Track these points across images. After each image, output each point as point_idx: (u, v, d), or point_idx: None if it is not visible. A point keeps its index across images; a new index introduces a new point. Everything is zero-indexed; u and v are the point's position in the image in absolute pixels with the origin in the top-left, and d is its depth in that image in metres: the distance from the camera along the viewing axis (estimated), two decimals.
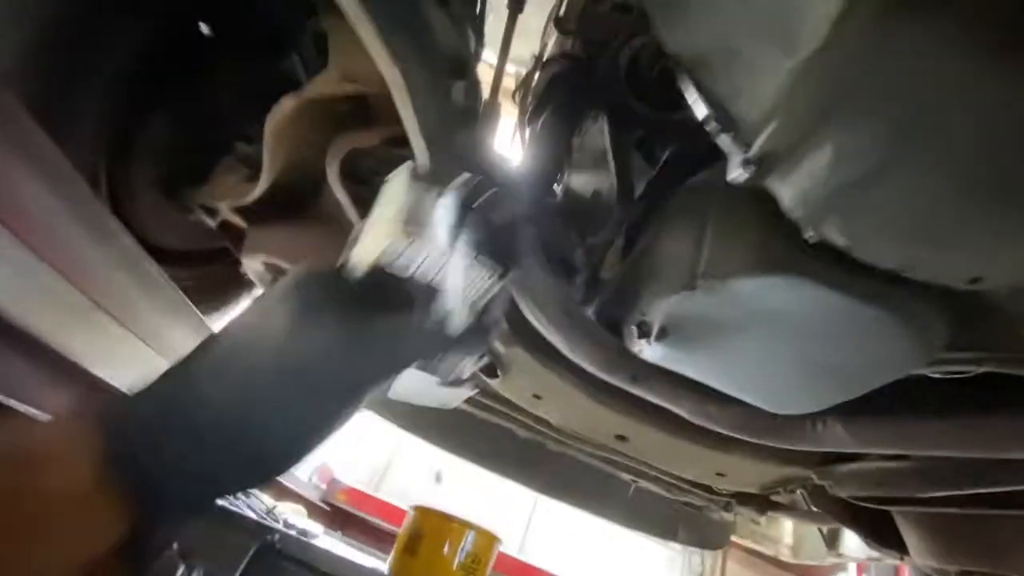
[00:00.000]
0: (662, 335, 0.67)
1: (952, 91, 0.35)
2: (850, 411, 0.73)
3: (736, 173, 0.50)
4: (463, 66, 0.60)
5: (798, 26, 0.40)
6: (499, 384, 1.02)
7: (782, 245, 0.52)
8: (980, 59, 0.32)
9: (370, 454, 3.84)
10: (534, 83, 0.99)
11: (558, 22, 0.77)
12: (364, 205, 0.73)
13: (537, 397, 1.01)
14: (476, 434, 1.75)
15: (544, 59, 0.97)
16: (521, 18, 0.97)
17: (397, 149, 0.66)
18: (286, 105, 0.62)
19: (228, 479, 0.31)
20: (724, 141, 0.52)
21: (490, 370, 1.01)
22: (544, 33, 1.08)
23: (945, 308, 0.53)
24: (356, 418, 0.36)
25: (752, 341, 0.63)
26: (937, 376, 0.63)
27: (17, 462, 0.26)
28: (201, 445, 0.29)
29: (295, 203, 0.82)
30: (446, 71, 0.58)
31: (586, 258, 0.98)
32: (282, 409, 0.30)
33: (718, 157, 0.65)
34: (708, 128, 0.53)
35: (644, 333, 0.69)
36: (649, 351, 0.71)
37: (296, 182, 0.76)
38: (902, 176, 0.41)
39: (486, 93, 1.04)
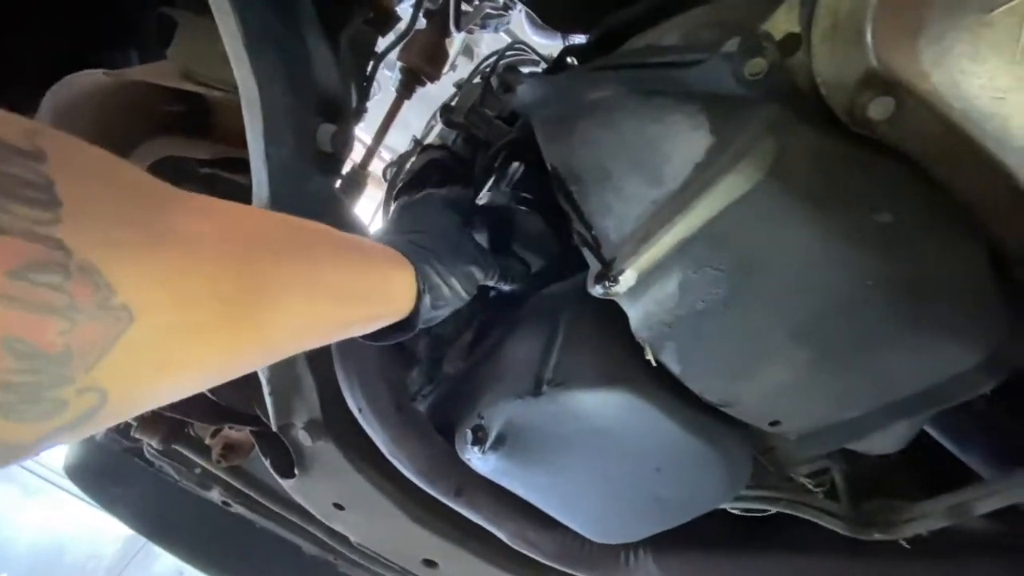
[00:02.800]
0: (498, 443, 0.61)
1: (795, 260, 0.40)
2: (661, 544, 0.73)
3: (593, 286, 0.51)
4: (336, 111, 0.54)
5: (663, 164, 0.44)
6: (293, 486, 0.83)
7: (628, 363, 0.53)
8: (827, 241, 0.38)
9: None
10: (408, 164, 0.97)
11: (445, 111, 0.78)
12: None
13: (338, 507, 0.84)
14: (246, 546, 1.40)
15: (424, 144, 0.96)
16: (403, 111, 0.99)
17: (229, 173, 0.55)
18: (98, 81, 0.48)
19: None
20: (586, 254, 0.53)
21: (285, 468, 0.82)
22: (428, 122, 1.10)
23: (748, 446, 0.58)
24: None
25: (584, 460, 0.61)
26: (736, 512, 0.67)
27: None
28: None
29: None
30: (314, 108, 0.52)
31: (429, 349, 0.91)
32: None
33: (576, 268, 0.68)
34: (574, 239, 0.55)
35: (479, 440, 0.62)
36: (480, 461, 0.64)
37: None
38: (733, 318, 0.45)
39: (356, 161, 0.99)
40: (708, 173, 0.41)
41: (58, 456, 1.57)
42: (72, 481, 1.52)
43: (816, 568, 0.67)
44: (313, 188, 0.56)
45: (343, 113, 0.55)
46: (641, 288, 0.48)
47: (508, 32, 1.22)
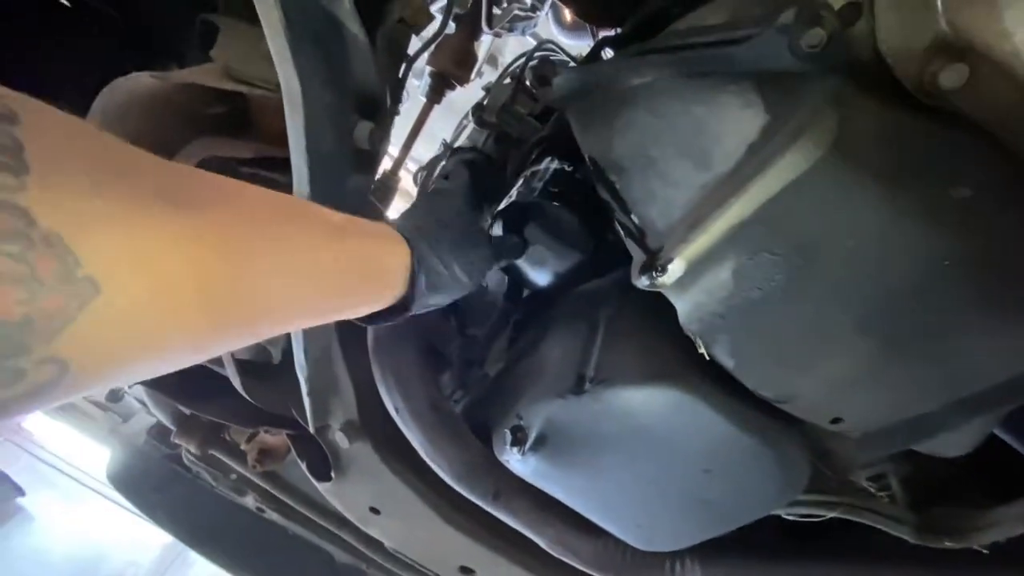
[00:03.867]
0: (539, 444, 0.59)
1: (861, 240, 0.37)
2: (708, 552, 0.70)
3: (638, 278, 0.49)
4: (375, 108, 0.54)
5: (713, 146, 0.43)
6: (329, 489, 0.83)
7: (675, 358, 0.51)
8: (898, 219, 0.36)
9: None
10: (439, 168, 0.97)
11: (477, 110, 0.78)
12: None
13: (374, 511, 0.83)
14: (281, 553, 1.41)
15: (455, 146, 0.97)
16: (428, 122, 0.99)
17: (268, 172, 0.56)
18: (144, 84, 0.49)
19: None
20: (630, 245, 0.52)
21: (322, 471, 0.81)
22: (458, 124, 1.11)
23: (806, 446, 0.55)
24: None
25: (628, 461, 0.59)
26: (792, 519, 0.63)
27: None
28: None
29: None
30: (354, 105, 0.52)
31: (462, 351, 0.90)
32: None
33: (611, 265, 0.67)
34: (616, 231, 0.53)
35: (518, 440, 0.61)
36: (520, 463, 0.63)
37: None
38: (792, 307, 0.43)
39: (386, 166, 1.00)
40: (763, 153, 0.39)
41: (99, 463, 1.61)
42: (115, 488, 1.56)
43: None
44: (351, 186, 0.56)
45: (380, 111, 0.55)
46: (690, 278, 0.46)
47: (534, 36, 1.22)
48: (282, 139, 0.50)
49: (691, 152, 0.44)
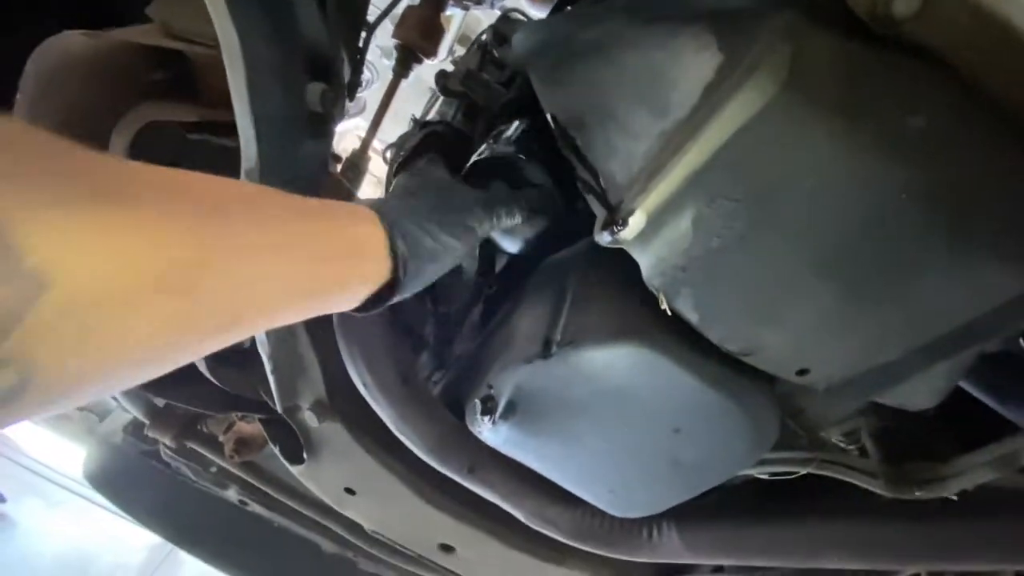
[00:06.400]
0: (509, 411, 0.58)
1: (818, 179, 0.36)
2: (685, 516, 0.70)
3: (600, 235, 0.48)
4: (326, 69, 0.52)
5: (670, 92, 0.42)
6: (303, 472, 0.81)
7: (641, 316, 0.50)
8: (853, 153, 0.35)
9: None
10: (408, 142, 0.95)
11: (441, 77, 0.76)
12: None
13: (350, 492, 0.82)
14: (267, 546, 1.39)
15: (423, 121, 0.94)
16: (401, 104, 0.97)
17: (217, 138, 0.53)
18: (80, 47, 0.47)
19: None
20: (592, 203, 0.51)
21: (294, 453, 0.80)
22: (427, 102, 1.09)
23: (774, 400, 0.54)
24: None
25: (598, 425, 0.58)
26: (765, 477, 0.64)
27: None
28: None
29: None
30: (304, 65, 0.50)
31: (436, 330, 0.89)
32: None
33: (581, 233, 0.66)
34: (579, 187, 0.52)
35: (488, 409, 0.60)
36: (491, 433, 0.62)
37: None
38: (752, 254, 0.42)
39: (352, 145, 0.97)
40: (718, 95, 0.38)
41: (79, 466, 1.58)
42: (92, 487, 1.53)
43: (853, 534, 0.64)
44: (305, 152, 0.54)
45: (333, 72, 0.53)
46: (652, 230, 0.45)
47: (503, 10, 1.19)
48: (230, 102, 0.48)
49: (649, 100, 0.43)
